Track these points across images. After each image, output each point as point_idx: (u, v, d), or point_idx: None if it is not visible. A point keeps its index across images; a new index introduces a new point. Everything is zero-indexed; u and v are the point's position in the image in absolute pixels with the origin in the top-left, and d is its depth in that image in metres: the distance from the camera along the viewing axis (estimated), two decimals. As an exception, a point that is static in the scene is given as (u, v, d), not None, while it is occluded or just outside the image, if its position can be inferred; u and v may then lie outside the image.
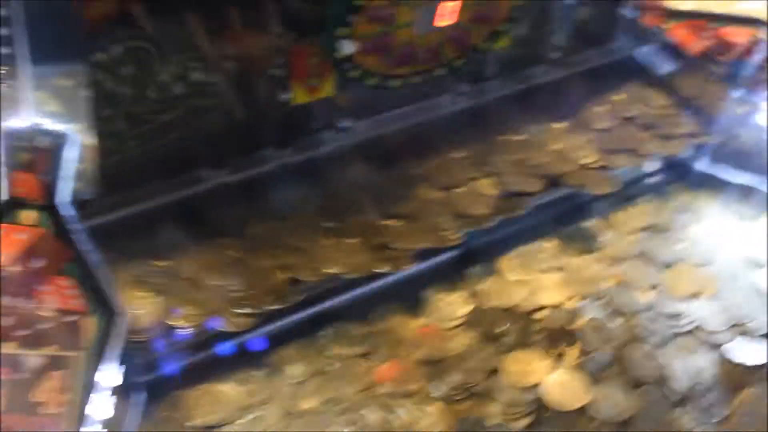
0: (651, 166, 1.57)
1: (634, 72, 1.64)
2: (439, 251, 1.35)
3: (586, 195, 1.48)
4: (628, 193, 1.53)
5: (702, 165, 1.59)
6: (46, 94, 1.05)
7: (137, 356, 1.14)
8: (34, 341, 0.99)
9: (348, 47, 1.22)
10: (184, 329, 1.17)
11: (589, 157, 1.49)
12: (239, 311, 1.19)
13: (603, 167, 1.48)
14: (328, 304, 1.29)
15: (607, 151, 1.50)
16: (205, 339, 1.20)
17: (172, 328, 1.17)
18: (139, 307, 1.17)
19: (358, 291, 1.31)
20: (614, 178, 1.48)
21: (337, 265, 1.26)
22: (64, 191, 1.08)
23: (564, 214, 1.48)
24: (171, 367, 1.18)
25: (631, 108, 1.59)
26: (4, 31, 0.96)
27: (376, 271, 1.27)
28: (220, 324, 1.18)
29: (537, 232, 1.45)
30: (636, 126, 1.56)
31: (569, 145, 1.50)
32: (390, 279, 1.31)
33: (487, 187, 1.42)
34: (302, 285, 1.24)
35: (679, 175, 1.59)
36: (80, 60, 1.03)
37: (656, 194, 1.55)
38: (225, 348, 1.22)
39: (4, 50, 0.98)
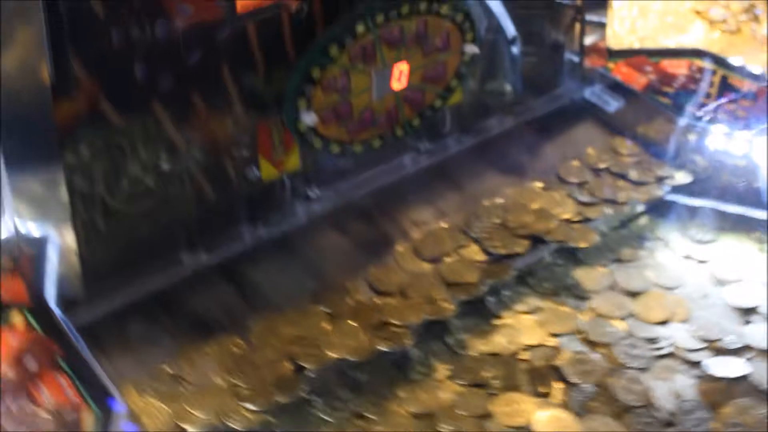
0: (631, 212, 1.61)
1: (586, 114, 1.69)
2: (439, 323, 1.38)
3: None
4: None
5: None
6: (23, 201, 1.07)
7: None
8: (35, 441, 1.01)
9: (309, 118, 1.26)
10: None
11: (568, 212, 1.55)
12: (249, 407, 1.20)
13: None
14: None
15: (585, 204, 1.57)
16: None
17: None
18: (145, 416, 1.18)
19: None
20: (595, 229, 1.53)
21: (341, 349, 1.29)
22: (50, 292, 1.11)
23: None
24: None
25: (602, 158, 1.65)
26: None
27: (380, 349, 1.30)
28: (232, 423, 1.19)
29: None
30: (610, 175, 1.63)
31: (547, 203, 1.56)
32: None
33: (474, 253, 1.47)
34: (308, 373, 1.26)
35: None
36: (55, 165, 1.06)
37: (620, 226, 1.60)
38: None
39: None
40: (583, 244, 1.51)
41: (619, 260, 1.52)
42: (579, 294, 1.46)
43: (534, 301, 1.44)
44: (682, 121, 1.60)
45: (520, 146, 1.61)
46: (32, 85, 1.06)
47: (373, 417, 1.26)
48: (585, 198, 1.58)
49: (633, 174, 1.63)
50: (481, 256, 1.46)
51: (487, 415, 1.26)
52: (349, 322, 1.33)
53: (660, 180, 1.62)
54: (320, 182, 1.42)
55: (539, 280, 1.47)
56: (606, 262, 1.52)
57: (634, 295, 1.46)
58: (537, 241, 1.49)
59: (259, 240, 1.37)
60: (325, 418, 1.25)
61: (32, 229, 1.12)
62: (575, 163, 1.64)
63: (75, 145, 1.15)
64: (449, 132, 1.54)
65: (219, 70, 1.25)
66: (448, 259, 1.45)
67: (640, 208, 1.60)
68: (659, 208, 1.61)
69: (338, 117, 1.30)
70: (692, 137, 1.61)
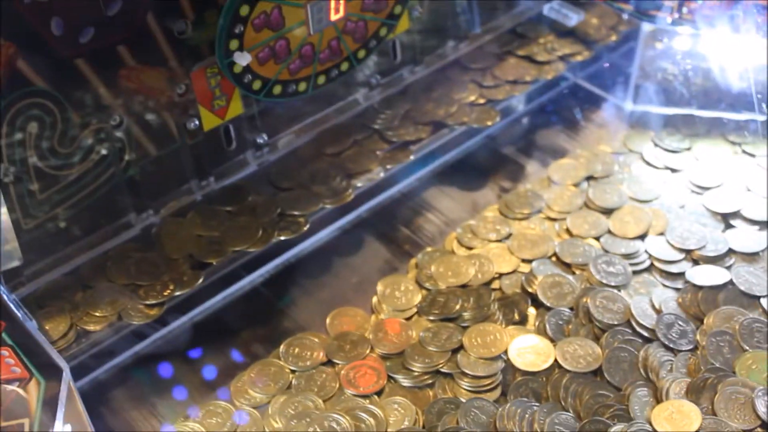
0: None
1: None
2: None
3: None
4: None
5: (627, 104, 1.58)
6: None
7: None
8: (-22, 416, 0.97)
9: (243, 58, 1.20)
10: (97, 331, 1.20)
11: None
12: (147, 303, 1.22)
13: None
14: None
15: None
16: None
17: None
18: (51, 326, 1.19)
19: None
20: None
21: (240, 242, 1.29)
22: (-14, 266, 1.07)
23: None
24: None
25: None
26: None
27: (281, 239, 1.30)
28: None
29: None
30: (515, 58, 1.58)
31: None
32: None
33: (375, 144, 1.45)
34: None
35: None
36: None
37: (588, 142, 1.55)
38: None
39: None
40: (489, 123, 1.47)
41: (591, 177, 1.47)
42: (550, 216, 1.41)
43: (504, 228, 1.39)
44: (646, 27, 1.53)
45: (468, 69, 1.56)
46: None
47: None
48: (487, 82, 1.53)
49: (541, 56, 1.58)
50: (382, 145, 1.43)
51: (460, 349, 1.22)
52: (245, 217, 1.31)
53: (563, 58, 1.57)
54: (269, 128, 1.36)
55: (508, 206, 1.42)
56: (578, 180, 1.46)
57: (608, 211, 1.40)
58: (439, 126, 1.48)
59: (209, 193, 1.32)
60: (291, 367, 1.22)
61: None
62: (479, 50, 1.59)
63: (-3, 112, 1.10)
64: (401, 63, 1.47)
65: (144, 17, 1.19)
66: (348, 151, 1.42)
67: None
68: (630, 120, 1.56)
69: (275, 55, 1.24)
70: (658, 43, 1.54)
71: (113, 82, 1.19)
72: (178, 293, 1.23)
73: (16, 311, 1.05)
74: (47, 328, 1.18)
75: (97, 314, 1.20)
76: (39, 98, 1.13)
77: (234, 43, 1.19)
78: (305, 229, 1.32)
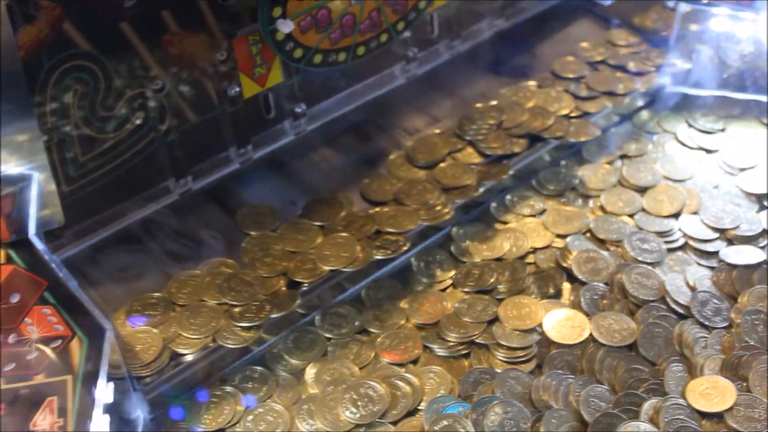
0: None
1: (579, 10, 1.63)
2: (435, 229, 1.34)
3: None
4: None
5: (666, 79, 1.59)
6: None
7: (142, 390, 1.12)
8: (23, 373, 0.98)
9: (286, 26, 1.20)
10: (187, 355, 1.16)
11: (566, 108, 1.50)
12: (241, 325, 1.18)
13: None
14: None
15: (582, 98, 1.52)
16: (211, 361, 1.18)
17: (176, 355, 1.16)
18: (139, 342, 1.16)
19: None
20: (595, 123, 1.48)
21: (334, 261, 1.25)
22: (31, 228, 1.07)
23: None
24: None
25: (598, 51, 1.60)
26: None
27: (377, 258, 1.27)
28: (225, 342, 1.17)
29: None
30: (608, 68, 1.57)
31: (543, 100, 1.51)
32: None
33: (469, 156, 1.42)
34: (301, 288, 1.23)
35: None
36: (25, 98, 1.02)
37: (623, 122, 1.55)
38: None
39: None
40: (583, 138, 1.45)
41: (625, 156, 1.47)
42: (585, 193, 1.41)
43: (538, 204, 1.39)
44: (683, 7, 1.53)
45: (513, 48, 1.55)
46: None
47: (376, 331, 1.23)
48: (583, 93, 1.53)
49: (631, 65, 1.57)
50: (477, 159, 1.42)
51: (495, 320, 1.22)
52: (342, 234, 1.29)
53: (659, 68, 1.56)
54: (308, 98, 1.37)
55: (543, 182, 1.42)
56: (613, 158, 1.46)
57: (642, 190, 1.41)
58: (534, 139, 1.44)
59: (247, 161, 1.33)
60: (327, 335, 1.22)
61: (11, 170, 1.08)
62: (570, 58, 1.59)
63: (44, 74, 1.10)
64: (439, 38, 1.48)
65: (188, -17, 1.20)
66: (442, 164, 1.40)
67: (641, 100, 1.54)
68: (664, 101, 1.56)
69: (317, 24, 1.24)
70: (693, 25, 1.54)
71: (156, 47, 1.19)
72: (274, 315, 1.20)
73: (58, 271, 1.06)
74: (137, 349, 1.15)
75: (191, 337, 1.17)
76: (83, 61, 1.14)
77: (277, 11, 1.20)
78: (405, 249, 1.28)
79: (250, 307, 1.19)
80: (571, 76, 1.55)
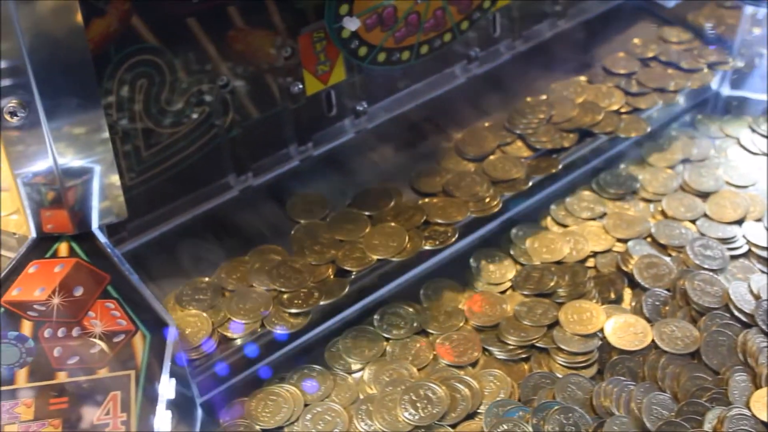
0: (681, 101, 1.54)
1: (641, 12, 1.61)
2: (483, 221, 1.34)
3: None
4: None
5: (724, 90, 1.56)
6: (66, 138, 1.03)
7: (195, 374, 1.13)
8: (86, 367, 0.98)
9: (352, 24, 1.20)
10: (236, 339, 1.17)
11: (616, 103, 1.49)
12: (291, 311, 1.18)
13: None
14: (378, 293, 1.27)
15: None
16: (263, 345, 1.19)
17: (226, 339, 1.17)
18: (189, 325, 1.17)
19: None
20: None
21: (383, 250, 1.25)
22: (94, 220, 1.08)
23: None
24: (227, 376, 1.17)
25: (650, 47, 1.59)
26: (17, 81, 0.96)
27: (426, 248, 1.26)
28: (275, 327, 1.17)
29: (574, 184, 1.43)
30: (659, 65, 1.56)
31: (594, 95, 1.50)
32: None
33: (518, 150, 1.42)
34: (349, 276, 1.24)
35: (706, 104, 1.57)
36: (93, 93, 1.02)
37: (684, 126, 1.53)
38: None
39: (21, 99, 0.97)
40: (634, 134, 1.45)
41: (687, 160, 1.45)
42: (645, 197, 1.40)
43: (599, 207, 1.38)
44: (748, 10, 1.51)
45: (571, 48, 1.54)
46: (65, 24, 1.01)
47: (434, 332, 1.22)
48: (633, 89, 1.51)
49: (683, 62, 1.56)
50: (526, 152, 1.41)
51: (555, 324, 1.21)
52: (391, 223, 1.29)
53: (712, 66, 1.55)
54: (368, 96, 1.36)
55: (603, 185, 1.41)
56: (674, 163, 1.45)
57: (704, 195, 1.39)
58: (584, 134, 1.44)
59: (307, 158, 1.33)
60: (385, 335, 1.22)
61: (75, 162, 1.09)
62: (621, 54, 1.58)
63: (111, 68, 1.11)
64: (500, 37, 1.47)
65: (255, -20, 1.20)
66: (492, 157, 1.40)
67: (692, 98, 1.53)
68: (725, 106, 1.54)
69: (382, 22, 1.24)
70: (757, 28, 1.52)
71: (221, 42, 1.19)
72: (323, 302, 1.20)
73: (120, 265, 1.06)
74: (187, 332, 1.16)
75: (240, 322, 1.18)
76: (150, 55, 1.14)
77: (344, 8, 1.19)
78: (453, 240, 1.28)
79: (299, 294, 1.20)
80: (622, 72, 1.54)
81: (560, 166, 1.39)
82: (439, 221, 1.30)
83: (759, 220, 1.34)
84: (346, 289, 1.21)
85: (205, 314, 1.18)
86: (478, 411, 1.13)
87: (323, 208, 1.32)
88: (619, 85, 1.51)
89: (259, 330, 1.17)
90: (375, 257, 1.24)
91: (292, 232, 1.29)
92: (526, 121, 1.44)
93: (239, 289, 1.21)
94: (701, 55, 1.56)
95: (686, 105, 1.55)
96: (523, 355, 1.19)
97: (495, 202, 1.33)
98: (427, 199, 1.34)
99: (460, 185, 1.35)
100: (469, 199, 1.33)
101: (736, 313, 1.21)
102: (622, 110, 1.48)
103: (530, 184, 1.36)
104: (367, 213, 1.31)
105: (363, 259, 1.24)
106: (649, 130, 1.46)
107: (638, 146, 1.49)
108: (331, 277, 1.23)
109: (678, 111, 1.54)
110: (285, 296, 1.20)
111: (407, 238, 1.27)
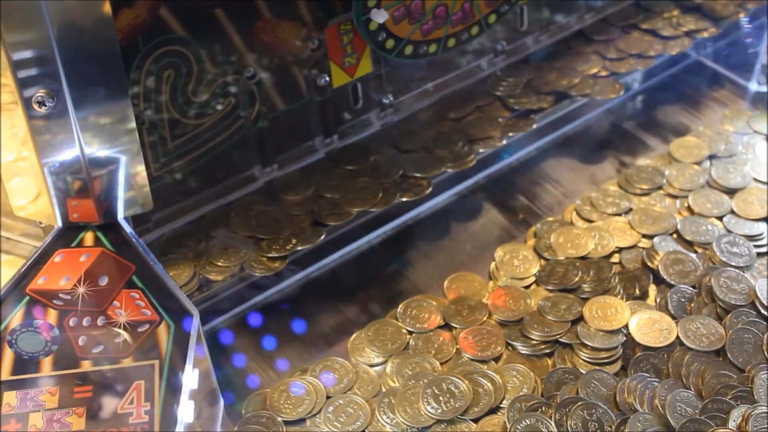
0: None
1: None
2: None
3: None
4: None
5: (752, 84, 1.55)
6: (93, 127, 1.04)
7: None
8: (111, 356, 0.99)
9: (380, 16, 1.19)
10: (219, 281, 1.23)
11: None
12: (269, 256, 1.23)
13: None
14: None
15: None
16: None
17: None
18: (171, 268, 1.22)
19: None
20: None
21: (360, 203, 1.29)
22: (119, 210, 1.08)
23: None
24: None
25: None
26: (46, 70, 0.96)
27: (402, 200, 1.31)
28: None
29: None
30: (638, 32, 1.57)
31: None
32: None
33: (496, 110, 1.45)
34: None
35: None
36: (121, 83, 1.02)
37: (710, 121, 1.52)
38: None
39: (50, 88, 0.97)
40: (612, 96, 1.47)
41: (714, 156, 1.44)
42: (672, 193, 1.39)
43: (624, 203, 1.37)
44: None
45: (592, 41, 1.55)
46: (94, 13, 1.01)
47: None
48: (612, 54, 1.52)
49: (663, 30, 1.56)
50: (504, 113, 1.43)
51: (579, 320, 1.21)
52: (364, 178, 1.32)
53: (689, 34, 1.55)
54: (394, 89, 1.36)
55: (629, 180, 1.40)
56: (701, 158, 1.44)
57: (731, 191, 1.38)
58: (561, 96, 1.47)
59: (332, 150, 1.33)
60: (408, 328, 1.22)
61: (102, 152, 1.09)
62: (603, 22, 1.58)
63: (138, 59, 1.11)
64: (527, 31, 1.46)
65: (282, -29, 1.19)
66: (470, 117, 1.42)
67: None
68: (754, 101, 1.53)
69: (410, 14, 1.23)
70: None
71: (248, 34, 1.19)
72: (300, 248, 1.24)
73: (145, 255, 1.07)
74: (171, 275, 1.17)
75: (220, 264, 1.22)
76: (178, 46, 1.14)
77: (372, 0, 1.19)
78: (428, 191, 1.31)
79: (278, 240, 1.24)
80: (601, 38, 1.55)
81: (535, 126, 1.43)
82: (416, 175, 1.33)
83: (787, 216, 1.34)
84: (323, 236, 1.26)
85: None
86: (501, 405, 1.13)
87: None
88: (598, 50, 1.53)
89: (237, 273, 1.23)
90: (353, 210, 1.28)
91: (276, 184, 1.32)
92: (506, 84, 1.46)
93: (220, 235, 1.25)
94: (680, 24, 1.56)
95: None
96: (547, 351, 1.19)
97: (470, 158, 1.36)
98: (405, 156, 1.37)
99: (438, 142, 1.38)
100: (446, 155, 1.36)
101: (763, 310, 1.20)
102: (600, 74, 1.50)
103: (504, 141, 1.40)
104: (348, 167, 1.34)
105: (342, 213, 1.28)
106: (622, 93, 1.49)
107: (663, 142, 1.48)
108: (309, 226, 1.27)
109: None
110: (263, 243, 1.24)
111: (382, 191, 1.30)
